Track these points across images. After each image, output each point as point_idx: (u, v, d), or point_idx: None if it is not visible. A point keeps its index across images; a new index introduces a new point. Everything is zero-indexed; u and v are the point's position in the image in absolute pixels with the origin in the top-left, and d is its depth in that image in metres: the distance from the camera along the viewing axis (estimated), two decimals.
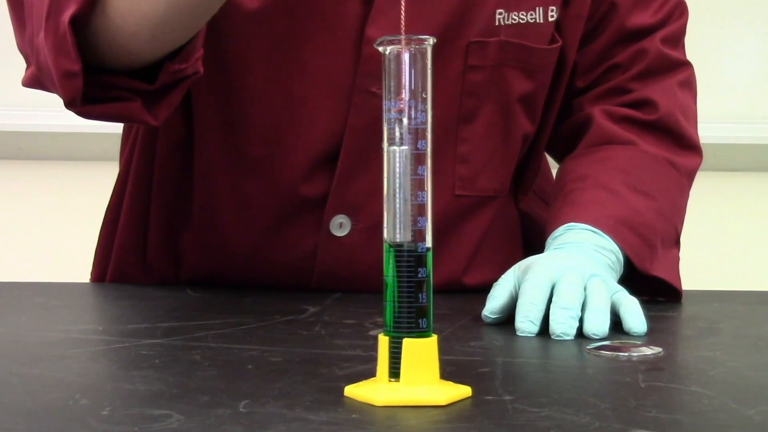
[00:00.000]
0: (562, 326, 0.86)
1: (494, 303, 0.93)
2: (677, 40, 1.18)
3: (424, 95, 0.67)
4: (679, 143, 1.15)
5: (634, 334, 0.88)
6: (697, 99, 1.20)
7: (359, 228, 1.08)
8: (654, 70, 1.15)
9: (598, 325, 0.87)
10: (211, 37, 1.01)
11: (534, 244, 1.16)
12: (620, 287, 0.94)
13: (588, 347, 0.82)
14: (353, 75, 1.04)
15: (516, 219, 1.19)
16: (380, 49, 0.67)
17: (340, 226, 1.08)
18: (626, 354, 0.80)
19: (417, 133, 0.66)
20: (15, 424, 0.60)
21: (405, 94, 0.66)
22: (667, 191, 1.12)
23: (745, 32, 2.32)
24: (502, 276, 0.96)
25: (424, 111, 0.67)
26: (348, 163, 1.06)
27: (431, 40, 0.67)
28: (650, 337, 0.88)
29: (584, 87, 1.16)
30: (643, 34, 1.15)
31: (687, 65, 1.18)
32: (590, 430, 0.60)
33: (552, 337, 0.86)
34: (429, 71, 0.67)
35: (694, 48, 1.21)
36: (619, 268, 1.02)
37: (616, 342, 0.84)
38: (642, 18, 1.15)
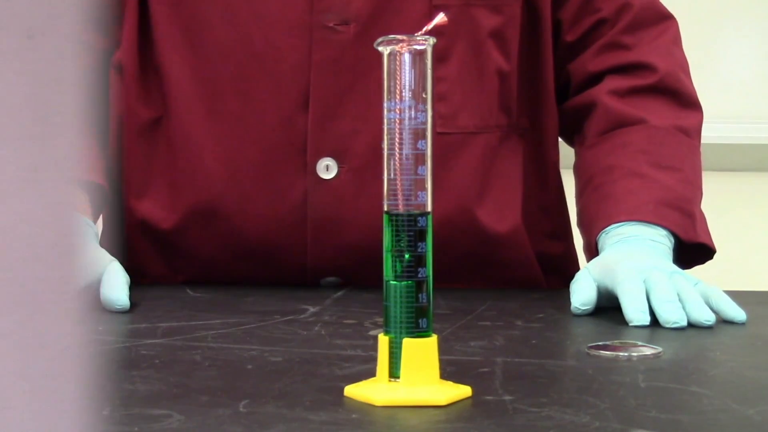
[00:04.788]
0: (674, 315, 0.91)
1: (583, 295, 0.97)
2: None
3: (424, 95, 0.67)
4: (681, 102, 1.18)
5: (738, 322, 0.93)
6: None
7: (346, 169, 1.09)
8: (642, 22, 1.18)
9: (707, 313, 0.92)
10: (173, 5, 1.10)
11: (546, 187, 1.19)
12: (698, 279, 0.98)
13: (588, 347, 0.83)
14: (309, 12, 1.07)
15: (520, 161, 1.18)
16: (380, 49, 0.67)
17: (327, 168, 1.09)
18: (626, 354, 0.80)
19: (417, 133, 0.66)
20: None
21: (405, 94, 0.66)
22: (686, 159, 1.15)
23: (745, 32, 2.32)
24: (577, 274, 1.01)
25: (424, 111, 0.67)
26: (321, 102, 1.08)
27: (431, 40, 0.67)
28: (650, 337, 0.88)
29: (574, 42, 1.18)
30: None
31: (672, 18, 1.22)
32: (590, 430, 0.60)
33: (665, 326, 0.91)
34: (429, 71, 0.67)
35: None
36: (671, 250, 1.06)
37: (616, 342, 0.85)
38: None
